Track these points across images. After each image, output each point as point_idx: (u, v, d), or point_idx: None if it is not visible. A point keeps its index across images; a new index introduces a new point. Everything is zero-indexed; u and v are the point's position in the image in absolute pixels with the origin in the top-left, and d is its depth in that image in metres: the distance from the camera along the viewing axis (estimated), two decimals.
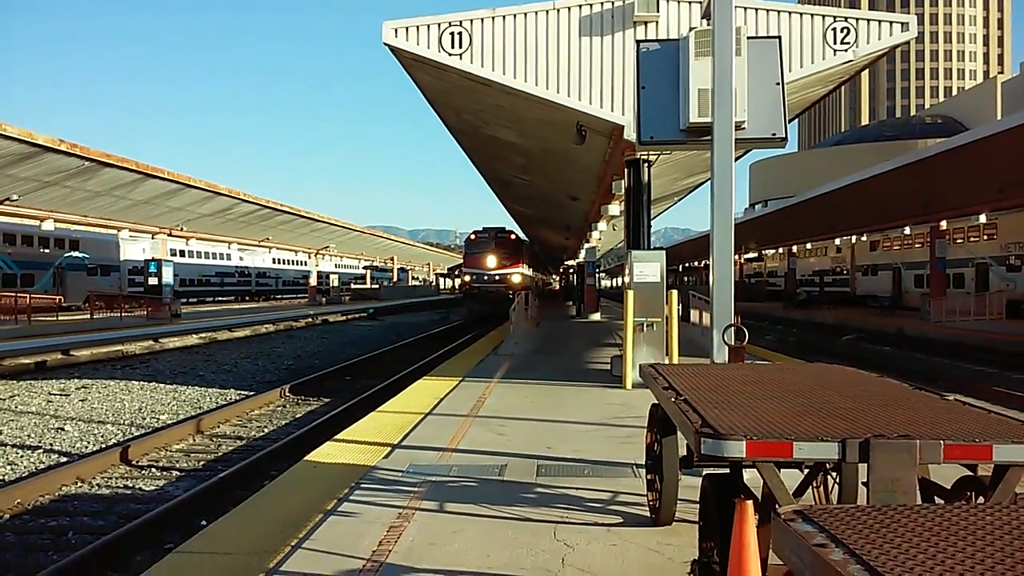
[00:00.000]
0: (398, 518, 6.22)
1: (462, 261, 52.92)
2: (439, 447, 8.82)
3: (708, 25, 8.16)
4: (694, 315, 23.01)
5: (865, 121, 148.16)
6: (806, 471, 5.07)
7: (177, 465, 11.37)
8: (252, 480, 10.11)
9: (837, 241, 59.31)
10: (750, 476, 4.20)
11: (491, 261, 46.73)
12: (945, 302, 37.94)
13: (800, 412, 4.00)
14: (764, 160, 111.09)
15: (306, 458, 8.67)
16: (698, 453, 3.53)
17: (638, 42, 8.81)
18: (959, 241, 44.90)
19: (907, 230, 45.19)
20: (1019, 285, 39.74)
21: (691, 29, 8.14)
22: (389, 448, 8.82)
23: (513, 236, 48.99)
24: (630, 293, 13.55)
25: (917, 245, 50.21)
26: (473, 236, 49.08)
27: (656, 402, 5.92)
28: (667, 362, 13.70)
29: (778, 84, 8.31)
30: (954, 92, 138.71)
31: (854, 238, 55.64)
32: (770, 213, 54.70)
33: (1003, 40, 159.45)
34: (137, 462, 11.37)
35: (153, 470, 11.06)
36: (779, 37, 8.63)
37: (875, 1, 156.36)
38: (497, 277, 46.49)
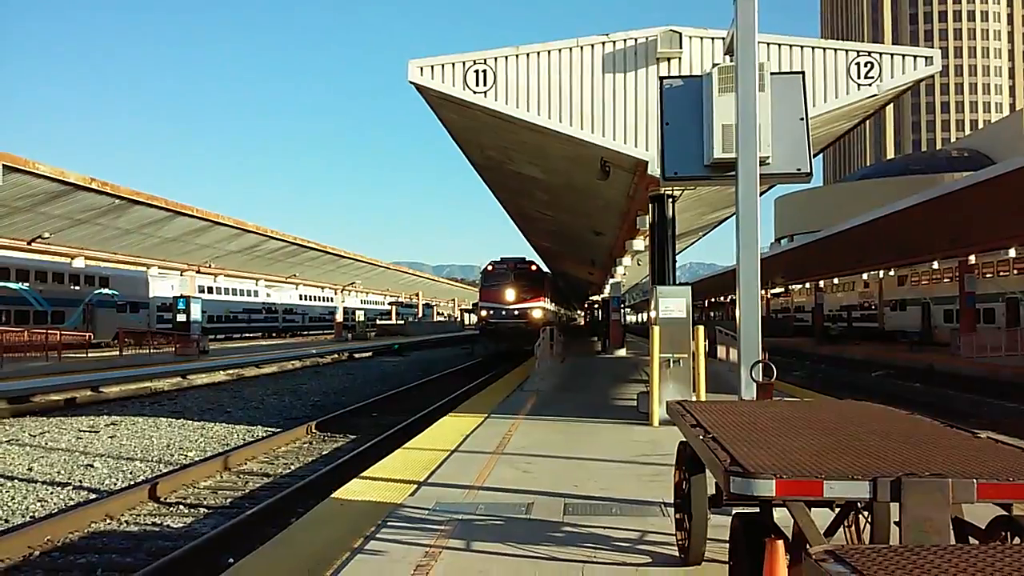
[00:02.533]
0: (425, 556, 6.20)
1: (479, 295, 47.39)
2: (466, 485, 8.79)
3: (731, 61, 8.21)
4: (721, 351, 22.83)
5: (890, 155, 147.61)
6: (837, 510, 5.01)
7: (205, 502, 11.40)
8: (280, 517, 10.11)
9: (865, 276, 58.88)
10: (780, 515, 4.16)
11: (510, 294, 42.16)
12: (976, 337, 37.45)
13: (830, 450, 3.97)
14: (789, 195, 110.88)
15: (333, 495, 8.67)
16: (727, 492, 3.51)
17: (661, 79, 8.88)
18: (988, 276, 44.40)
19: (935, 264, 44.73)
20: None
21: (714, 65, 8.20)
22: (415, 485, 8.80)
23: (534, 266, 44.68)
24: (656, 329, 13.50)
25: (946, 280, 49.70)
26: (490, 267, 44.28)
27: (684, 440, 5.89)
28: (694, 399, 13.62)
29: (802, 119, 8.32)
30: (980, 125, 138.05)
31: (882, 273, 55.18)
32: (796, 248, 54.40)
33: None
34: (165, 499, 11.41)
35: (181, 507, 11.10)
36: (803, 72, 8.66)
37: (898, 35, 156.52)
38: (516, 312, 42.02)
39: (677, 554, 6.10)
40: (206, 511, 10.91)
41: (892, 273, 55.35)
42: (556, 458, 10.45)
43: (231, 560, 8.44)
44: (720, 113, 8.06)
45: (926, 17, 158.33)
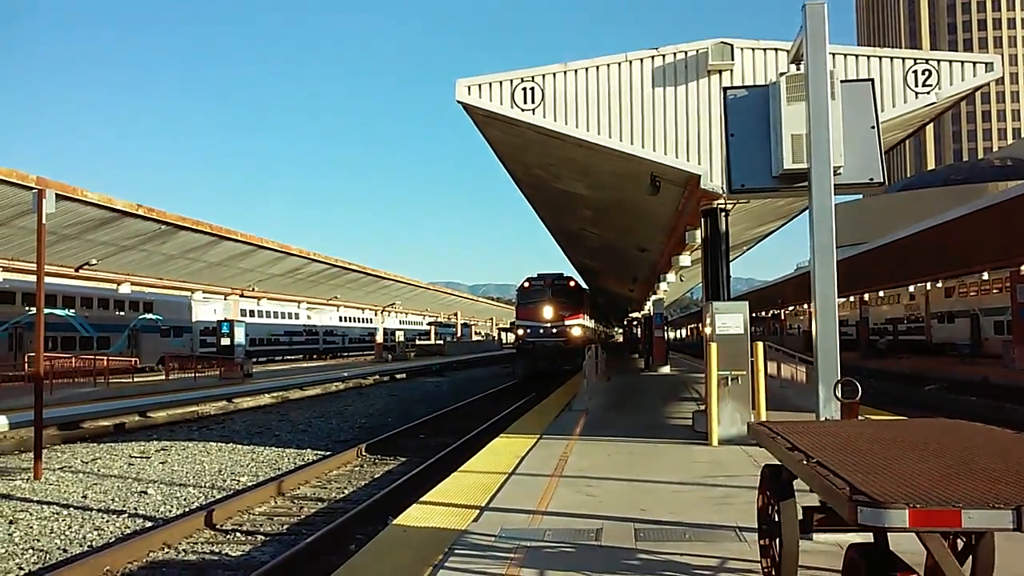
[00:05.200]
0: None
1: (515, 312, 45.82)
2: (529, 509, 8.55)
3: (798, 70, 7.97)
4: (771, 367, 22.41)
5: (931, 165, 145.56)
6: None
7: (262, 529, 11.26)
8: (338, 544, 9.96)
9: (911, 288, 57.78)
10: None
11: (547, 312, 40.52)
12: None
13: (951, 475, 3.70)
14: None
15: (395, 522, 8.47)
16: (853, 522, 3.25)
17: (725, 89, 8.65)
18: None
19: (985, 275, 43.75)
20: None
21: (781, 74, 7.95)
22: (477, 511, 8.59)
23: (572, 282, 42.94)
24: (713, 346, 13.20)
25: (995, 291, 48.61)
26: (527, 284, 42.43)
27: (771, 463, 5.62)
28: (753, 418, 13.28)
29: (873, 127, 8.04)
30: (1021, 134, 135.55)
31: (928, 285, 54.13)
32: (840, 261, 53.52)
33: None
34: (221, 526, 11.29)
35: (238, 534, 10.96)
36: (872, 80, 8.40)
37: (936, 45, 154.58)
38: (555, 330, 40.35)
39: None
40: (263, 538, 10.76)
41: (940, 285, 54.23)
42: (618, 480, 10.20)
43: None
44: (789, 123, 7.81)
45: (964, 26, 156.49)
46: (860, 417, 7.52)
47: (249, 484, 14.52)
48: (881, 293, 64.95)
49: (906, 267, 46.48)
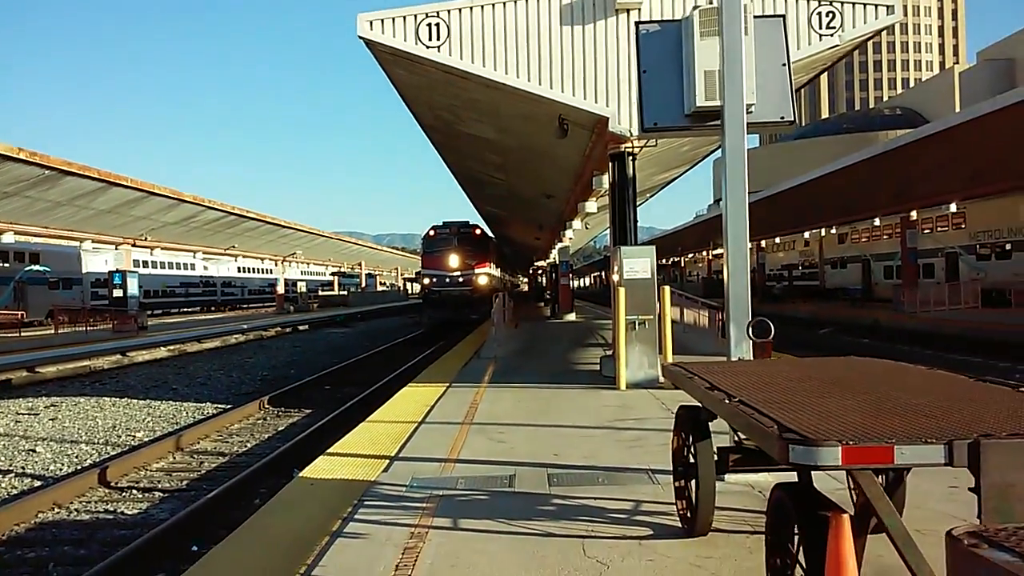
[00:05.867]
0: (411, 538, 5.76)
1: (420, 262, 45.32)
2: (440, 458, 8.36)
3: (711, 3, 7.79)
4: (674, 312, 22.71)
5: (825, 115, 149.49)
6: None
7: (159, 485, 10.76)
8: (241, 499, 9.60)
9: (806, 235, 59.60)
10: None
11: (454, 260, 40.32)
12: (918, 292, 38.10)
13: (877, 411, 3.62)
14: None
15: (301, 474, 8.17)
16: (784, 460, 3.12)
17: (637, 23, 8.40)
18: (927, 231, 45.20)
19: (876, 221, 45.40)
20: (989, 274, 40.07)
21: (694, 8, 7.74)
22: (387, 461, 8.35)
23: (479, 230, 42.70)
24: (621, 290, 13.18)
25: (885, 237, 50.54)
26: (432, 232, 42.06)
27: (687, 404, 5.54)
28: (660, 362, 13.38)
29: (784, 65, 7.94)
30: (911, 84, 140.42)
31: (823, 231, 55.93)
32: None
33: (958, 31, 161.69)
34: (116, 483, 10.74)
35: (134, 492, 10.44)
36: (783, 16, 8.30)
37: None
38: (461, 279, 40.28)
39: (680, 524, 5.76)
40: (162, 495, 10.29)
41: (833, 231, 56.09)
42: (529, 426, 10.11)
43: (194, 548, 7.93)
44: (702, 59, 7.62)
45: None
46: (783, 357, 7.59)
47: (146, 440, 13.91)
48: (777, 240, 66.85)
49: (801, 214, 47.81)
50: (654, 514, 6.22)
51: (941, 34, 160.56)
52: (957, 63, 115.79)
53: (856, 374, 5.00)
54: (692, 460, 5.39)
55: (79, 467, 11.90)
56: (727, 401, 4.11)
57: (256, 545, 6.09)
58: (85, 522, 9.14)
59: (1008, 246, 39.55)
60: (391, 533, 5.89)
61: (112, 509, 9.64)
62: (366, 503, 6.78)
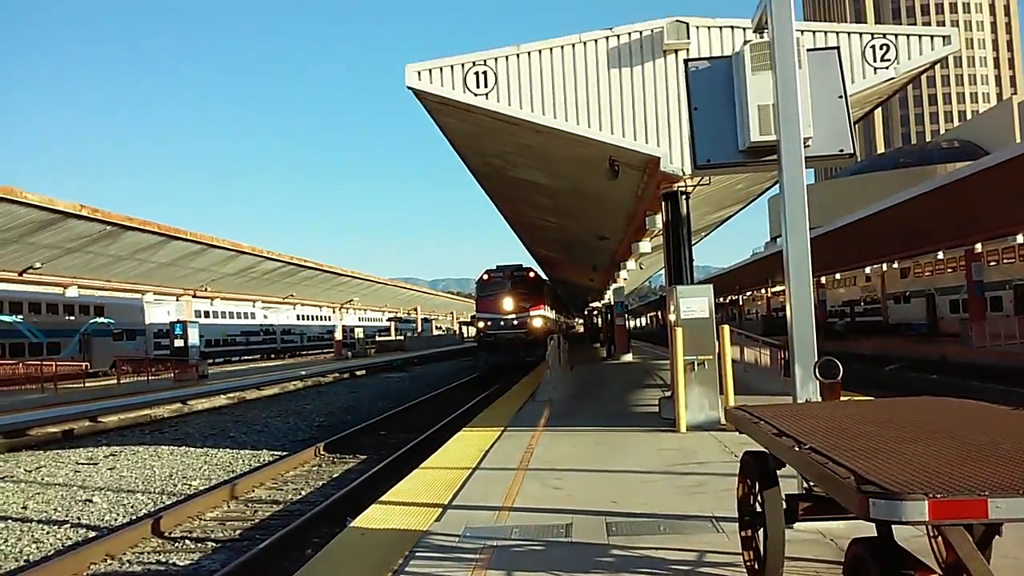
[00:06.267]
0: None
1: (475, 306, 45.07)
2: (494, 506, 8.13)
3: (762, 38, 7.60)
4: (734, 352, 22.22)
5: (881, 149, 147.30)
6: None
7: (212, 535, 10.69)
8: (293, 549, 9.46)
9: (868, 270, 58.31)
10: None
11: (508, 304, 40.15)
12: (987, 326, 36.88)
13: (964, 458, 3.33)
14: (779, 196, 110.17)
15: (352, 524, 8.00)
16: (864, 516, 2.86)
17: (686, 61, 8.25)
18: (993, 264, 43.90)
19: (940, 255, 44.24)
20: None
21: (745, 42, 7.55)
22: (440, 509, 8.14)
23: (532, 273, 42.47)
24: (678, 331, 12.88)
25: (949, 270, 49.22)
26: (486, 276, 41.90)
27: (752, 450, 5.25)
28: (721, 403, 13.00)
29: (841, 97, 7.68)
30: (968, 116, 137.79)
31: (885, 266, 54.68)
32: None
33: (1014, 62, 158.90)
34: (170, 533, 10.70)
35: (187, 542, 10.38)
36: (838, 48, 8.06)
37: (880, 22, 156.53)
38: (516, 322, 40.00)
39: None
40: (214, 545, 10.20)
41: (895, 266, 54.81)
42: (586, 472, 9.82)
43: None
44: (755, 93, 7.41)
45: (908, 11, 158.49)
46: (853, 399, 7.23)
47: (201, 488, 13.91)
48: (838, 276, 65.55)
49: (862, 249, 46.86)
50: (719, 565, 5.91)
51: (997, 65, 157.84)
52: (1015, 93, 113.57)
53: (936, 416, 4.68)
54: (759, 509, 5.09)
55: (133, 517, 11.89)
56: (797, 448, 3.85)
57: None
58: (136, 573, 9.07)
59: None
60: None
61: (164, 560, 9.57)
62: (418, 554, 6.58)
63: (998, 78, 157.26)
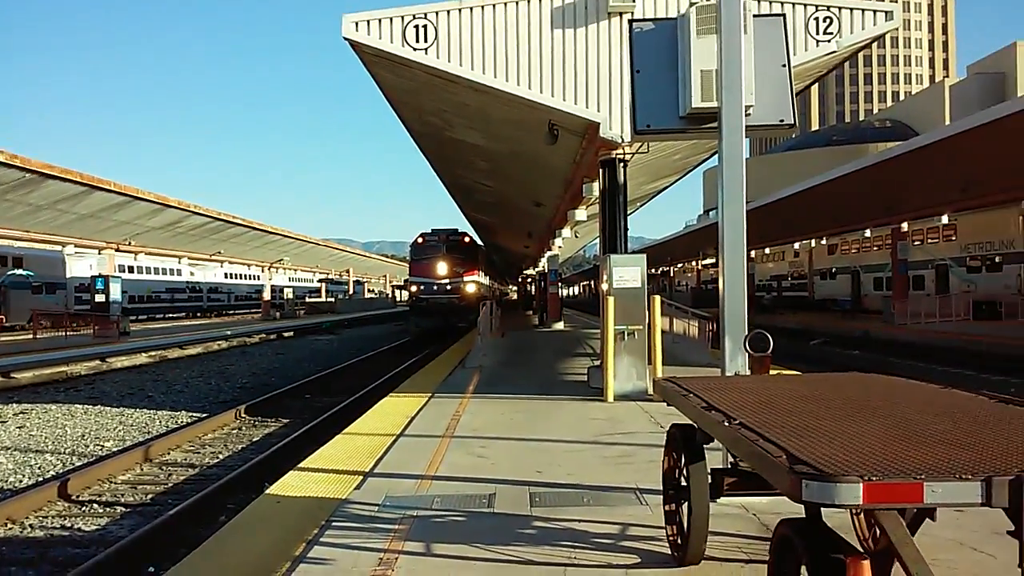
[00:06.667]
0: (379, 565, 5.31)
1: (408, 269, 45.01)
2: (416, 474, 7.91)
3: (709, 1, 7.41)
4: (664, 322, 22.32)
5: (815, 127, 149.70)
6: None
7: (122, 499, 10.25)
8: (207, 515, 9.11)
9: (796, 246, 59.37)
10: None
11: (441, 268, 39.98)
12: (909, 304, 37.86)
13: (896, 438, 3.20)
14: (716, 167, 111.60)
15: (268, 491, 7.71)
16: (796, 497, 2.70)
17: (631, 21, 8.07)
18: (917, 243, 45.02)
19: (867, 233, 45.19)
20: (979, 286, 39.89)
21: (691, 4, 7.36)
22: (360, 477, 7.89)
23: (467, 238, 42.51)
24: (610, 300, 12.77)
25: (875, 248, 50.35)
26: (420, 240, 41.74)
27: (679, 423, 5.11)
28: (649, 373, 12.98)
29: (784, 66, 7.56)
30: (901, 97, 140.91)
31: (813, 242, 55.73)
32: None
33: (947, 45, 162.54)
34: (77, 497, 10.23)
35: (95, 506, 9.93)
36: (783, 15, 7.92)
37: None
38: (449, 287, 39.94)
39: (669, 551, 5.32)
40: (124, 510, 9.78)
41: (823, 242, 55.90)
42: (512, 440, 9.67)
43: (151, 570, 7.46)
44: (699, 58, 7.23)
45: None
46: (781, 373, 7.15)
47: (114, 449, 13.40)
48: (767, 251, 66.66)
49: (791, 225, 47.58)
50: (642, 539, 5.79)
51: (931, 48, 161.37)
52: (947, 76, 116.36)
53: (866, 392, 4.58)
54: (684, 483, 4.97)
55: (40, 479, 11.37)
56: (727, 424, 3.69)
57: (213, 571, 5.64)
58: (39, 539, 8.62)
59: (998, 259, 39.39)
60: (358, 559, 5.44)
61: (69, 525, 9.13)
62: (334, 524, 6.33)
63: (931, 60, 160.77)
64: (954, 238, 42.60)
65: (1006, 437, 3.17)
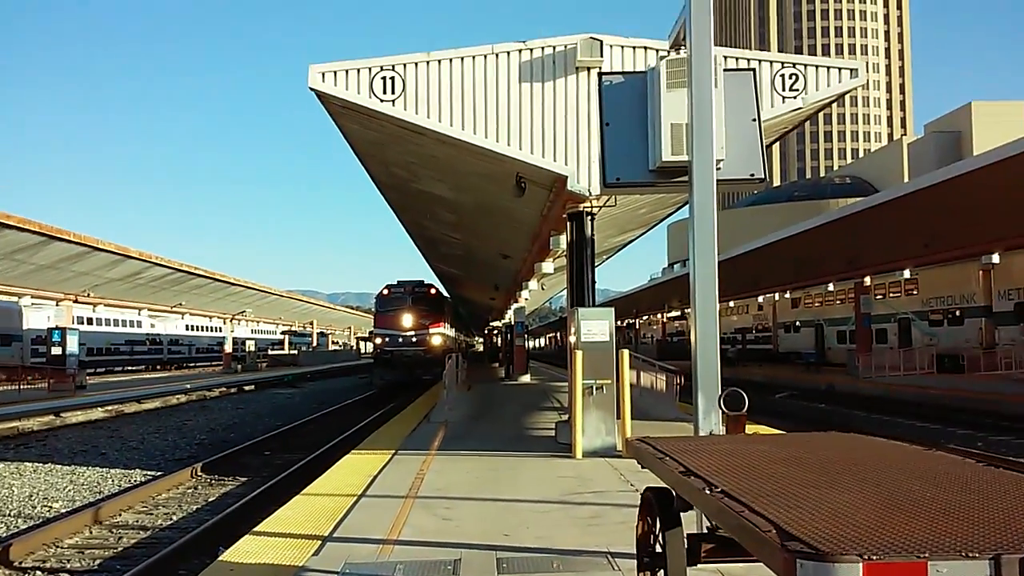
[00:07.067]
0: None
1: (373, 321, 44.54)
2: (378, 539, 7.57)
3: (680, 54, 7.36)
4: (631, 376, 22.14)
5: (777, 183, 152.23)
6: None
7: (68, 566, 9.70)
8: None
9: (760, 299, 59.81)
10: None
11: (407, 320, 39.48)
12: (873, 357, 38.10)
13: (891, 509, 3.00)
14: (682, 221, 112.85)
15: (221, 558, 7.31)
16: None
17: (600, 74, 8.02)
18: (880, 297, 45.50)
19: (830, 287, 45.64)
20: (941, 340, 40.30)
21: (661, 58, 7.30)
22: (319, 542, 7.53)
23: (433, 290, 42.36)
24: (578, 354, 12.57)
25: (839, 302, 50.81)
26: (385, 291, 41.30)
27: (654, 487, 4.88)
28: (618, 428, 12.74)
29: (754, 120, 7.52)
30: (860, 154, 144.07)
31: (776, 295, 56.19)
32: (686, 273, 54.72)
33: (905, 104, 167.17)
34: (20, 563, 9.65)
35: (39, 574, 9.37)
36: (753, 70, 7.91)
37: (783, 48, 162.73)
38: (414, 339, 39.32)
39: None
40: None
41: (787, 296, 56.36)
42: (478, 500, 9.36)
43: None
44: (669, 111, 7.14)
45: (810, 49, 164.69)
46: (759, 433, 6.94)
47: (63, 511, 12.81)
48: (731, 304, 67.05)
49: (755, 278, 47.93)
50: None
51: (889, 107, 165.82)
52: (905, 135, 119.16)
53: (851, 455, 4.39)
54: (660, 550, 4.72)
55: None
56: (708, 492, 3.47)
57: None
58: None
59: (959, 312, 39.89)
60: None
61: None
62: None
63: (890, 119, 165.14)
64: (916, 292, 43.13)
65: (1008, 507, 2.99)
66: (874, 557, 2.38)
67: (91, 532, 11.37)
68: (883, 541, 2.53)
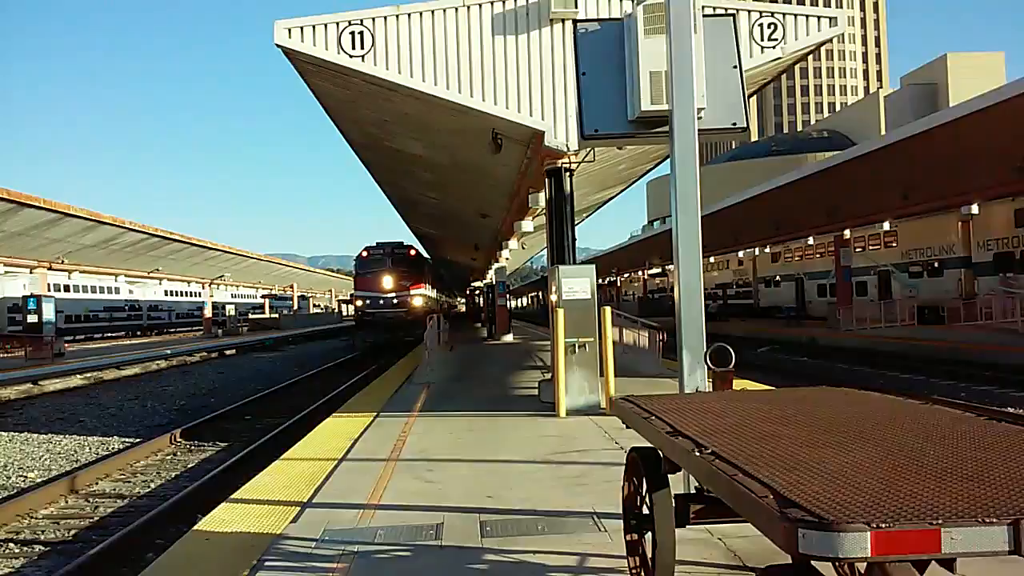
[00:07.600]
0: None
1: (353, 283, 44.44)
2: (359, 503, 7.40)
3: None
4: (614, 333, 22.05)
5: (755, 137, 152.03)
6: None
7: (42, 537, 9.51)
8: (133, 553, 8.46)
9: (740, 254, 59.89)
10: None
11: (387, 282, 39.41)
12: (854, 310, 38.23)
13: (896, 470, 2.82)
14: (661, 177, 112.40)
15: (196, 527, 7.13)
16: (791, 549, 2.30)
17: (575, 22, 7.73)
18: (859, 250, 45.59)
19: (810, 240, 45.66)
20: (921, 291, 40.49)
21: (638, 3, 7.00)
22: (299, 508, 7.35)
23: (413, 251, 42.06)
24: (560, 312, 12.39)
25: (818, 255, 50.92)
26: (365, 253, 41.18)
27: (640, 446, 4.70)
28: (601, 386, 12.62)
29: (735, 67, 7.26)
30: (838, 107, 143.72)
31: (757, 250, 56.22)
32: (668, 229, 54.57)
33: (880, 57, 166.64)
34: None
35: (11, 546, 9.18)
36: (734, 15, 7.64)
37: None
38: (395, 300, 39.32)
39: None
40: (42, 549, 9.06)
41: (767, 250, 56.40)
42: (461, 462, 9.21)
43: None
44: (647, 59, 6.86)
45: None
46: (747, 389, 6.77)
47: (38, 481, 12.59)
48: (711, 259, 67.09)
49: (735, 233, 47.86)
50: (602, 571, 5.39)
51: (865, 60, 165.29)
52: (881, 87, 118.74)
53: (847, 411, 4.22)
54: (647, 512, 4.56)
55: None
56: (698, 453, 3.29)
57: None
58: None
59: (938, 264, 40.05)
60: None
61: None
62: (267, 563, 5.81)
63: (866, 72, 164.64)
64: (895, 244, 43.23)
65: (1017, 465, 2.81)
66: (883, 525, 2.21)
67: (67, 502, 11.18)
68: (891, 507, 2.35)
